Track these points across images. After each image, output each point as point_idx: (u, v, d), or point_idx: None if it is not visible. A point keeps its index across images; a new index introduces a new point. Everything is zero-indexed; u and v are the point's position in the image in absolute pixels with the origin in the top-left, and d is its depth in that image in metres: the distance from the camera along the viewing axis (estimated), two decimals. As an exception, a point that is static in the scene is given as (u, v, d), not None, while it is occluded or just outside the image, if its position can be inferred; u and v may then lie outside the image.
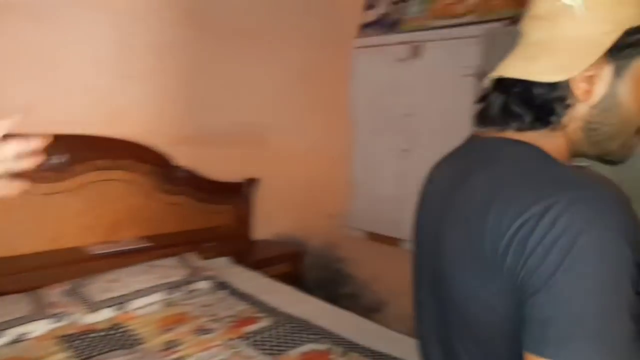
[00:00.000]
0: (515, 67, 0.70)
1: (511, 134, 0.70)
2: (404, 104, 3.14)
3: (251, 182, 3.40)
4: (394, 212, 3.26)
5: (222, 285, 2.50)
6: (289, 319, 2.13)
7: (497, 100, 0.73)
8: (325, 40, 3.68)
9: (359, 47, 3.40)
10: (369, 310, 3.58)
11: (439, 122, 2.98)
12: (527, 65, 0.68)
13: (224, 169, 3.24)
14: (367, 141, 3.39)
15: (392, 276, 3.42)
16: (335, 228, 3.79)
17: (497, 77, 0.73)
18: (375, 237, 3.41)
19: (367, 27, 3.45)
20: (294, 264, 3.28)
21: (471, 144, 0.79)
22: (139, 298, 2.18)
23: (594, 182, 0.59)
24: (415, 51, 3.07)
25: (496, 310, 0.62)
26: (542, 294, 0.55)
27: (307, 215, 3.88)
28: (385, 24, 3.33)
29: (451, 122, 2.92)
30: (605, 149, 0.71)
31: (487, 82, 0.76)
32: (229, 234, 3.25)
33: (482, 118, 0.77)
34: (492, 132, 0.74)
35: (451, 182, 0.74)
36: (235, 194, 3.33)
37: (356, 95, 3.45)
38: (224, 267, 2.83)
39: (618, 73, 0.65)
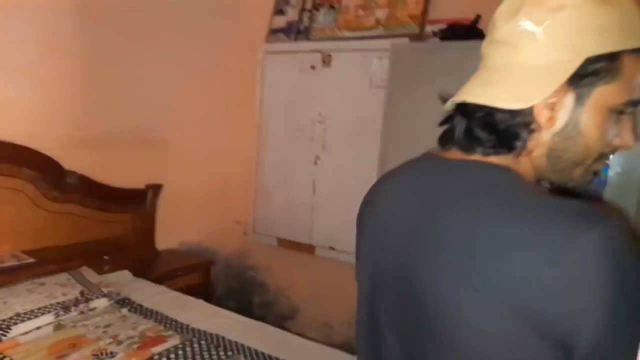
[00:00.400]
0: (476, 93, 0.69)
1: (478, 157, 0.70)
2: (315, 111, 3.17)
3: (153, 188, 3.19)
4: (306, 219, 3.27)
5: (123, 302, 2.29)
6: (200, 335, 2.01)
7: (460, 124, 0.72)
8: (232, 42, 3.59)
9: (268, 52, 3.36)
10: (283, 318, 3.55)
11: (349, 130, 3.05)
12: (488, 90, 0.67)
13: (123, 175, 3.00)
14: (278, 147, 3.36)
15: (305, 283, 3.43)
16: (245, 235, 3.70)
17: (459, 102, 0.72)
18: (288, 244, 3.39)
19: (277, 33, 3.43)
20: (202, 275, 3.14)
21: (433, 164, 0.76)
22: (22, 322, 1.92)
23: (597, 211, 0.58)
24: (326, 60, 3.11)
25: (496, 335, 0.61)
26: (594, 333, 0.55)
27: (215, 222, 3.75)
28: (295, 31, 3.34)
29: (360, 131, 3.01)
30: (568, 175, 0.71)
31: (449, 106, 0.75)
32: (130, 244, 3.01)
33: (446, 140, 0.75)
34: (457, 154, 0.72)
35: (422, 209, 0.70)
36: (136, 201, 3.09)
37: (266, 100, 3.41)
38: (124, 281, 2.61)
39: (579, 101, 0.65)
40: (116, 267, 2.76)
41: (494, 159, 0.69)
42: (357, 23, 3.09)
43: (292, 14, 3.39)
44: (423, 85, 2.43)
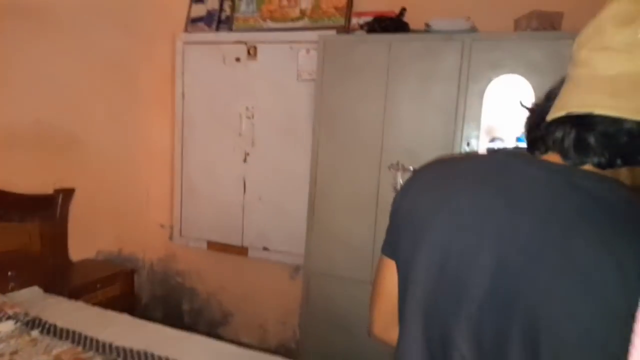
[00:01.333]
0: (604, 104, 0.64)
1: (590, 168, 0.67)
2: (242, 105, 3.03)
3: (64, 192, 2.89)
4: (237, 219, 3.13)
5: (33, 324, 2.04)
6: (126, 354, 1.84)
7: (570, 132, 0.67)
8: (147, 31, 3.34)
9: (188, 43, 3.16)
10: (215, 324, 3.39)
11: (278, 125, 2.96)
12: (617, 102, 0.63)
13: (27, 179, 2.69)
14: (204, 143, 3.18)
15: (237, 286, 3.29)
16: (170, 240, 3.48)
17: (583, 113, 0.66)
18: (218, 247, 3.23)
19: (196, 22, 3.23)
20: (124, 285, 2.90)
21: (528, 166, 0.70)
22: None
23: None
24: (251, 52, 2.98)
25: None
26: None
27: (136, 227, 3.49)
28: (216, 21, 3.17)
29: (291, 126, 2.92)
30: None
31: (554, 116, 0.69)
32: (38, 257, 2.71)
33: (540, 146, 0.71)
34: (557, 159, 0.69)
35: (532, 219, 0.64)
36: (44, 208, 2.78)
37: (189, 93, 3.20)
38: (34, 299, 2.33)
39: None
40: (23, 283, 2.47)
41: (608, 172, 0.66)
42: (282, 13, 2.99)
43: (212, 2, 3.21)
44: (351, 78, 2.40)
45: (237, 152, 3.09)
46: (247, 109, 3.03)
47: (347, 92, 2.42)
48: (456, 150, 2.24)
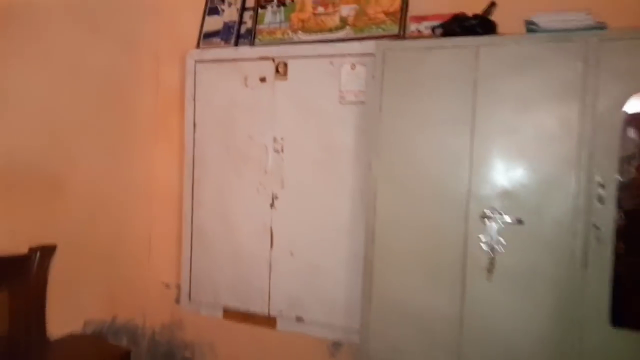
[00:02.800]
0: None
1: None
2: (269, 136, 2.42)
3: (42, 251, 2.26)
4: (263, 280, 2.46)
5: None
6: None
7: None
8: (150, 48, 2.78)
9: (201, 61, 2.58)
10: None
11: (315, 160, 2.33)
12: None
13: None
14: (219, 184, 2.56)
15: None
16: (178, 303, 2.81)
17: None
18: (238, 316, 2.55)
19: (210, 37, 2.66)
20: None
21: None
22: None
23: None
24: (280, 70, 2.39)
25: None
26: None
27: (133, 286, 2.83)
28: (234, 34, 2.60)
29: (330, 162, 2.30)
30: None
31: None
32: (5, 338, 2.05)
33: None
34: None
35: None
36: (15, 273, 2.18)
37: (201, 122, 2.60)
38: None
39: None
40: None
41: None
42: (317, 23, 2.42)
43: (229, 14, 2.65)
44: (421, 98, 1.79)
45: (263, 195, 2.45)
46: (275, 140, 2.42)
47: (415, 116, 1.80)
48: (580, 195, 1.59)
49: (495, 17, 1.82)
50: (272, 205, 2.44)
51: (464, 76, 1.73)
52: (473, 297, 1.71)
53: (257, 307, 2.49)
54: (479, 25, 1.72)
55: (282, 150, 2.40)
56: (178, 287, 2.82)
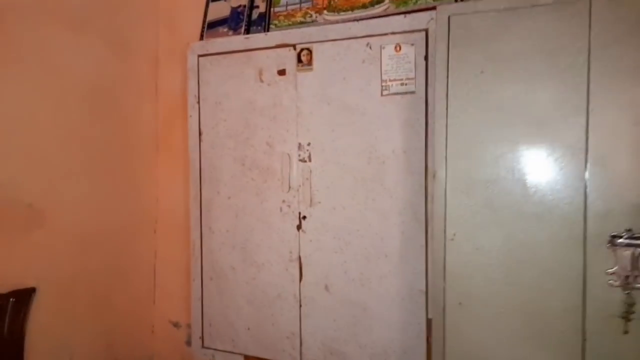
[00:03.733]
0: None
1: None
2: (291, 143, 1.93)
3: (17, 296, 1.83)
4: (289, 321, 1.96)
5: None
6: None
7: None
8: (143, 45, 2.33)
9: (205, 55, 2.11)
10: None
11: (351, 170, 1.83)
12: None
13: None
14: (231, 204, 2.07)
15: None
16: (189, 347, 2.33)
17: None
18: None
19: (216, 27, 2.20)
20: None
21: None
22: None
23: None
24: (304, 58, 1.91)
25: None
26: None
27: (136, 326, 2.36)
28: (245, 21, 2.13)
29: (371, 171, 1.80)
30: None
31: None
32: None
33: None
34: None
35: None
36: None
37: (207, 131, 2.13)
38: None
39: None
40: None
41: None
42: (347, -1, 1.93)
43: (237, -3, 2.19)
44: (501, 78, 1.28)
45: (287, 215, 1.96)
46: (300, 147, 1.93)
47: (497, 105, 1.30)
48: None
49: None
50: (299, 227, 1.94)
51: (569, 45, 1.22)
52: (600, 358, 1.19)
53: (286, 355, 1.98)
54: (591, -31, 1.22)
55: (310, 159, 1.91)
56: (189, 326, 2.34)
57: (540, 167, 1.26)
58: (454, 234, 1.36)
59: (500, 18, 1.29)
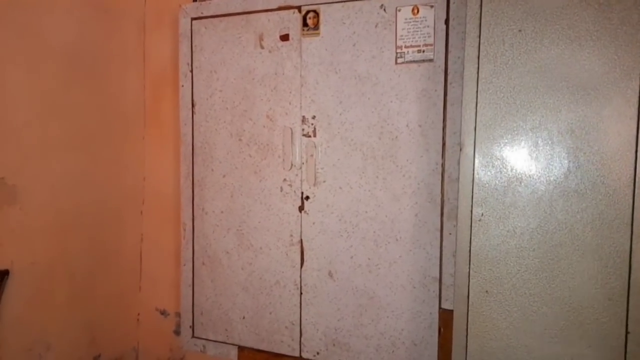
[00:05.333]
0: None
1: None
2: (295, 116, 1.76)
3: (-14, 283, 1.64)
4: (288, 310, 1.81)
5: None
6: None
7: None
8: (130, 7, 2.13)
9: (199, 18, 1.92)
10: None
11: (361, 146, 1.67)
12: None
13: None
14: (227, 183, 1.90)
15: None
16: (178, 336, 2.17)
17: None
18: (256, 357, 1.90)
19: (212, -10, 2.01)
20: None
21: None
22: None
23: None
24: (309, 22, 1.73)
25: None
26: None
27: (121, 315, 2.19)
28: (244, -14, 1.94)
29: (383, 148, 1.64)
30: None
31: None
32: None
33: None
34: None
35: None
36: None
37: (200, 103, 1.94)
38: None
39: None
40: None
41: None
42: (357, -42, 1.75)
43: (235, -43, 1.99)
44: (542, 42, 1.13)
45: (289, 195, 1.80)
46: (304, 121, 1.76)
47: (538, 69, 1.14)
48: None
49: None
50: (301, 208, 1.78)
51: (623, 2, 1.07)
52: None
53: (285, 347, 1.83)
54: None
55: (314, 134, 1.74)
56: (178, 315, 2.18)
57: (584, 138, 1.11)
58: (482, 214, 1.21)
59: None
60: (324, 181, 1.74)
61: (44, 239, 1.82)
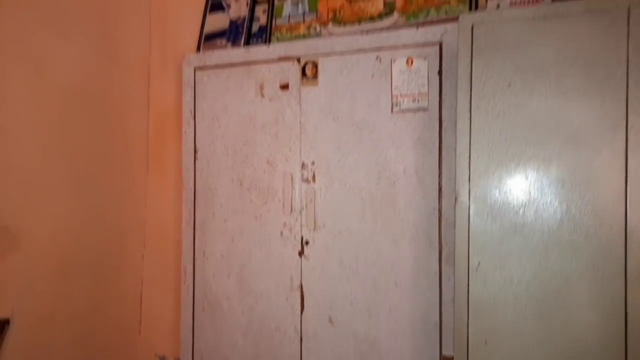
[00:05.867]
0: None
1: None
2: (294, 162, 1.80)
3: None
4: (289, 358, 1.79)
5: None
6: None
7: None
8: (136, 54, 2.21)
9: (202, 68, 1.99)
10: None
11: (359, 191, 1.70)
12: None
13: None
14: (228, 227, 1.92)
15: None
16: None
17: None
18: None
19: (214, 38, 2.09)
20: None
21: None
22: None
23: None
24: (308, 72, 1.79)
25: None
26: None
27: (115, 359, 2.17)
28: (244, 33, 2.02)
29: (382, 193, 1.67)
30: None
31: None
32: None
33: None
34: None
35: None
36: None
37: (203, 148, 1.99)
38: None
39: None
40: None
41: None
42: (354, 11, 1.84)
43: (237, 9, 2.08)
44: (531, 92, 1.17)
45: (289, 239, 1.82)
46: (303, 167, 1.80)
47: (526, 122, 1.18)
48: None
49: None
50: (301, 253, 1.80)
51: (606, 55, 1.12)
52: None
53: (286, 396, 1.81)
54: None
55: (314, 180, 1.78)
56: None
57: (575, 189, 1.14)
58: (479, 263, 1.23)
59: (530, 27, 1.19)
60: (324, 226, 1.76)
61: (46, 284, 1.83)
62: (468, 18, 1.25)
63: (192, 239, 2.00)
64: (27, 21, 1.75)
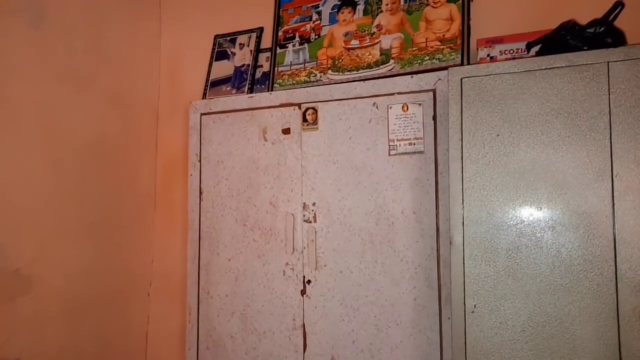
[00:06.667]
0: None
1: None
2: (295, 203, 1.86)
3: (-5, 374, 1.67)
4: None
5: None
6: None
7: None
8: (143, 102, 2.31)
9: (207, 113, 2.08)
10: None
11: (359, 231, 1.75)
12: None
13: None
14: (232, 268, 1.97)
15: None
16: None
17: None
18: None
19: (219, 85, 2.19)
20: None
21: None
22: None
23: None
24: (309, 118, 1.87)
25: None
26: None
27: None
28: (248, 80, 2.12)
29: (380, 233, 1.72)
30: None
31: None
32: None
33: None
34: None
35: None
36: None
37: (208, 190, 2.06)
38: None
39: None
40: None
41: None
42: (352, 59, 1.93)
43: (241, 57, 2.19)
44: (518, 142, 1.24)
45: (291, 279, 1.86)
46: (304, 207, 1.86)
47: (514, 170, 1.24)
48: None
49: (619, 23, 1.29)
50: (303, 292, 1.83)
51: (589, 107, 1.18)
52: None
53: None
54: (606, 33, 1.19)
55: (315, 220, 1.83)
56: (182, 401, 2.16)
57: (564, 234, 1.19)
58: (475, 306, 1.26)
59: (516, 80, 1.26)
60: (325, 265, 1.80)
61: (54, 326, 1.87)
62: (457, 72, 1.33)
63: (197, 278, 2.05)
64: (43, 77, 1.85)
